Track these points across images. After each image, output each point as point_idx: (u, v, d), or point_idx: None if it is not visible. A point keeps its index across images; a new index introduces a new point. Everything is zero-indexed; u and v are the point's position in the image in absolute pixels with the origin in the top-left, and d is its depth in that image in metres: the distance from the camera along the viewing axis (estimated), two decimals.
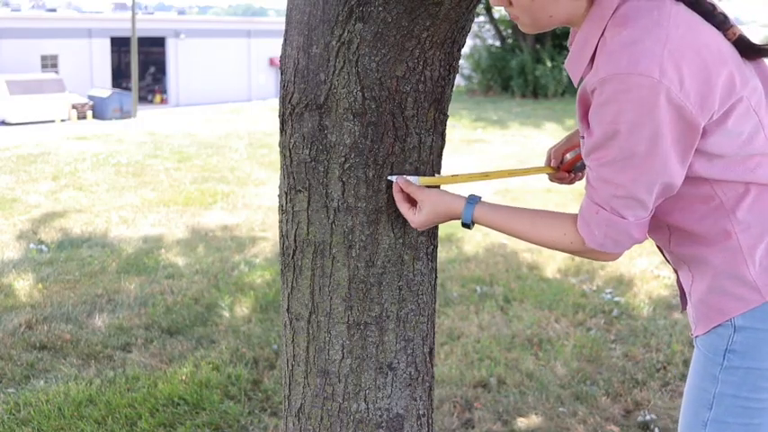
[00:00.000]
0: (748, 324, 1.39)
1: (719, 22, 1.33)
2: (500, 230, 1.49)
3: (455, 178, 1.59)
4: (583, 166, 1.69)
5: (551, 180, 1.76)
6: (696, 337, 1.49)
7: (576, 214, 1.41)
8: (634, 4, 1.28)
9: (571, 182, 1.75)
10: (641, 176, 1.29)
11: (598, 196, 1.34)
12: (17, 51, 31.48)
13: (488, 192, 7.11)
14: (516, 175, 1.68)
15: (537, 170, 1.72)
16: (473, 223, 1.47)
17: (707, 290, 1.44)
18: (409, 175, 1.56)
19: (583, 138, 1.35)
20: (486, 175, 1.62)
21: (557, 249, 1.46)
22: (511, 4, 1.34)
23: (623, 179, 1.30)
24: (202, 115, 17.20)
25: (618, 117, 1.23)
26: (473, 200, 1.48)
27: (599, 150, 1.30)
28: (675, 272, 1.58)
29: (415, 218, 1.52)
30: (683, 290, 1.57)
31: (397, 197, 1.54)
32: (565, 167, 1.72)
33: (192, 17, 50.33)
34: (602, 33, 1.29)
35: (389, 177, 1.54)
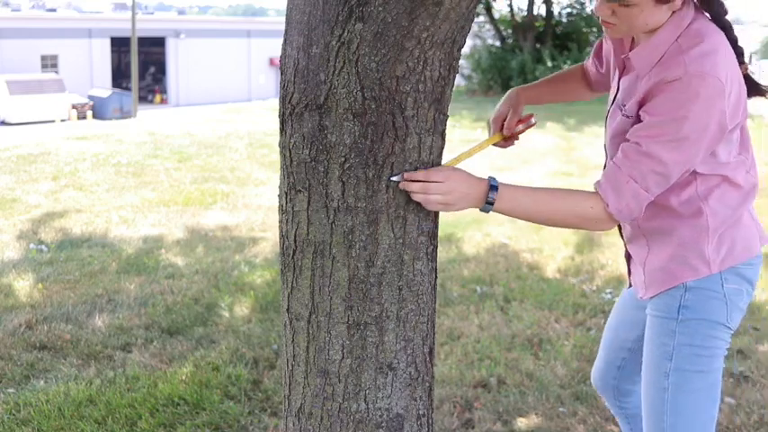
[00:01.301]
0: (698, 285, 1.70)
1: (739, 55, 1.65)
2: (523, 212, 1.64)
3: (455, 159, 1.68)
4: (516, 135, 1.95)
5: (497, 146, 1.97)
6: (649, 298, 1.78)
7: (590, 191, 1.64)
8: (704, 22, 1.62)
9: (507, 146, 1.98)
10: (681, 159, 1.56)
11: (635, 169, 1.58)
12: (17, 51, 31.48)
13: None
14: (475, 152, 1.80)
15: (489, 141, 1.91)
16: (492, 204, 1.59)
17: (667, 258, 1.72)
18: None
19: (627, 117, 1.65)
20: (456, 160, 1.70)
21: (573, 224, 1.67)
22: (614, 14, 1.60)
23: (668, 158, 1.55)
24: (202, 115, 17.20)
25: (690, 105, 1.52)
26: (494, 181, 1.60)
27: (657, 129, 1.56)
28: (626, 246, 1.87)
29: (442, 198, 1.54)
30: (631, 262, 1.88)
31: (414, 187, 1.54)
32: (515, 135, 1.93)
33: (191, 17, 50.34)
34: (676, 40, 1.59)
35: (392, 178, 1.54)
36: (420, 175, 1.54)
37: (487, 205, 1.59)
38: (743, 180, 1.71)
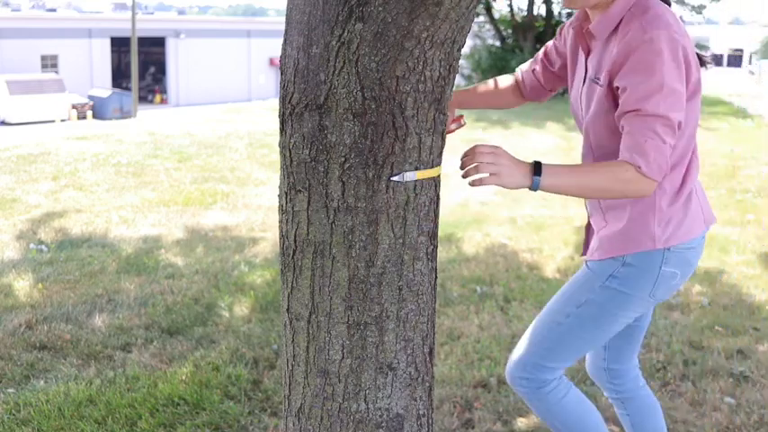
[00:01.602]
0: (633, 263, 1.86)
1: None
2: (569, 186, 1.76)
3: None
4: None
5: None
6: (590, 260, 1.95)
7: (619, 161, 1.73)
8: None
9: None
10: (675, 105, 1.69)
11: (647, 129, 1.69)
12: (17, 51, 31.47)
13: (489, 192, 7.11)
14: None
15: None
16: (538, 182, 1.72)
17: (618, 231, 1.88)
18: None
19: (601, 86, 1.79)
20: None
21: (619, 190, 1.75)
22: None
23: (665, 108, 1.68)
24: (202, 115, 17.19)
25: (660, 60, 1.68)
26: (538, 165, 1.73)
27: (643, 90, 1.69)
28: (588, 218, 2.03)
29: (495, 168, 1.69)
30: (589, 233, 2.04)
31: (469, 164, 1.72)
32: (455, 120, 2.01)
33: (191, 17, 50.34)
34: (629, 9, 1.76)
35: (392, 178, 1.54)
36: (469, 151, 1.70)
37: (536, 177, 1.70)
38: (689, 159, 1.87)
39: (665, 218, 1.85)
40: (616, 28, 1.79)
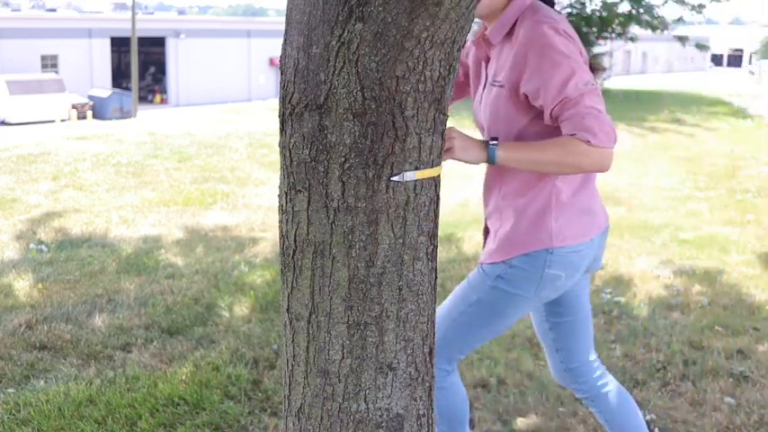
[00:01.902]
0: (519, 265, 1.96)
1: None
2: (526, 159, 1.87)
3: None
4: None
5: None
6: (483, 263, 2.05)
7: (568, 137, 1.81)
8: (538, 2, 1.94)
9: None
10: (587, 71, 1.83)
11: (580, 106, 1.78)
12: (17, 51, 31.47)
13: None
14: None
15: None
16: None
17: (510, 232, 1.98)
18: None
19: (501, 86, 1.90)
20: None
21: (573, 163, 1.82)
22: None
23: (585, 80, 1.80)
24: (202, 115, 17.20)
25: (561, 45, 1.83)
26: (494, 141, 1.88)
27: (559, 75, 1.79)
28: (486, 221, 2.11)
29: (451, 144, 1.86)
30: (487, 236, 2.11)
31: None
32: None
33: (191, 17, 50.34)
34: (522, 12, 1.89)
35: (392, 178, 1.54)
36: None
37: (492, 147, 1.84)
38: None
39: (560, 217, 1.95)
40: (510, 31, 1.90)
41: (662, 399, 3.10)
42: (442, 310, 2.12)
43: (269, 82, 38.67)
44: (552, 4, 2.02)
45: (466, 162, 1.88)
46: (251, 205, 6.88)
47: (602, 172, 1.86)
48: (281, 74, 1.59)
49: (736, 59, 62.59)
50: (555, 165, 1.85)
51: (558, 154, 1.83)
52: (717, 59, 62.91)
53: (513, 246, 1.97)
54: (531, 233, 1.95)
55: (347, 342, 1.61)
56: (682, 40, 22.19)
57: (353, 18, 1.43)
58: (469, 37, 2.01)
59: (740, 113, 16.01)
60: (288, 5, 1.56)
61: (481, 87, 2.03)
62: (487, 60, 2.00)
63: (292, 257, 1.63)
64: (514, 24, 1.90)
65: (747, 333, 3.81)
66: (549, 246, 1.93)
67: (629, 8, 21.90)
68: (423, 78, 1.51)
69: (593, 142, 1.78)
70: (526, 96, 1.88)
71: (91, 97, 29.79)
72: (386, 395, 1.65)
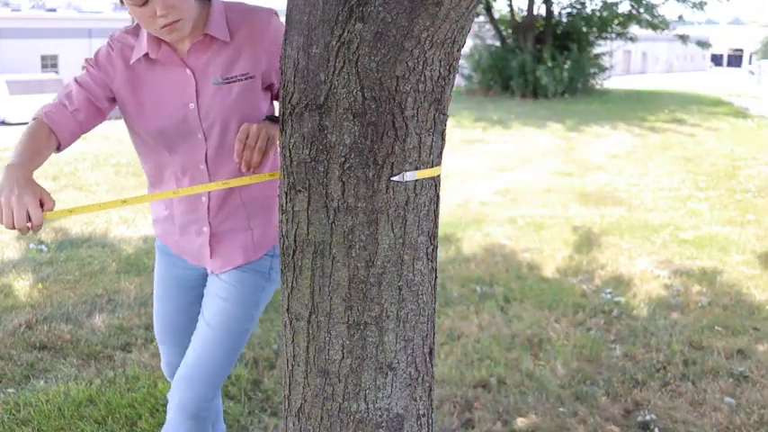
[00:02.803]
0: (277, 252, 1.98)
1: None
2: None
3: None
4: None
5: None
6: (242, 265, 1.99)
7: None
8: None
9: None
10: None
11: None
12: (17, 51, 31.47)
13: (488, 192, 7.10)
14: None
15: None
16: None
17: (270, 228, 2.00)
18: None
19: (251, 77, 1.86)
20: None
21: None
22: (174, 7, 1.73)
23: None
24: None
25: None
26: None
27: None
28: (211, 228, 1.99)
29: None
30: (213, 248, 2.01)
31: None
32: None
33: None
34: (229, 8, 1.87)
35: (392, 178, 1.54)
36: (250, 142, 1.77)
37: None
38: None
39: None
40: (227, 24, 1.87)
41: (662, 399, 3.10)
42: (223, 331, 2.00)
43: None
44: None
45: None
46: None
47: None
48: (281, 74, 1.59)
49: (736, 59, 62.57)
50: None
51: None
52: (717, 59, 62.91)
53: (273, 236, 2.04)
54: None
55: (347, 342, 1.61)
56: (683, 38, 22.20)
57: (353, 18, 1.43)
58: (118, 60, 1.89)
59: (740, 113, 16.02)
60: (288, 5, 1.56)
61: (190, 94, 1.87)
62: (197, 70, 1.87)
63: (292, 257, 1.63)
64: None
65: (747, 333, 3.81)
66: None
67: (629, 8, 21.91)
68: (423, 78, 1.51)
69: None
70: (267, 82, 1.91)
71: None
72: (386, 395, 1.65)
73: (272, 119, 1.85)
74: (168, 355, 2.23)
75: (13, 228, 1.54)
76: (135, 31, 1.92)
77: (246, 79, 1.88)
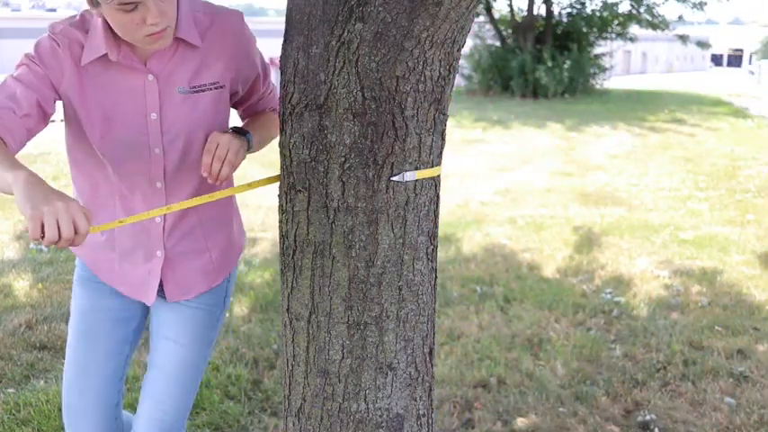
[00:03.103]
0: (233, 274, 1.99)
1: None
2: (260, 143, 1.81)
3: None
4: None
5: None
6: (197, 295, 1.85)
7: (271, 111, 1.88)
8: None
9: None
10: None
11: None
12: (17, 51, 31.40)
13: (488, 192, 7.10)
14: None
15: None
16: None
17: (226, 249, 1.91)
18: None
19: (220, 87, 1.71)
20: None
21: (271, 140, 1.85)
22: (164, 13, 1.57)
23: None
24: None
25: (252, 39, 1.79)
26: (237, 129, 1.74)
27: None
28: (165, 252, 1.80)
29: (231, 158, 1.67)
30: (166, 276, 1.81)
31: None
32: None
33: None
34: (194, 9, 1.67)
35: (392, 178, 1.54)
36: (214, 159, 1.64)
37: (248, 134, 1.71)
38: None
39: (240, 223, 2.01)
40: (195, 25, 1.67)
41: (662, 399, 3.10)
42: (182, 370, 1.88)
43: None
44: None
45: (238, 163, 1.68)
46: (251, 205, 6.88)
47: None
48: (281, 74, 1.59)
49: (736, 59, 62.55)
50: (270, 140, 1.86)
51: (274, 128, 1.82)
52: (717, 59, 62.90)
53: (230, 258, 2.00)
54: (239, 236, 2.06)
55: (347, 342, 1.61)
56: (683, 38, 22.20)
57: (353, 18, 1.43)
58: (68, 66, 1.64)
59: (740, 113, 16.02)
60: (288, 5, 1.56)
61: (152, 102, 1.66)
62: (162, 77, 1.66)
63: (292, 257, 1.63)
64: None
65: (747, 333, 3.81)
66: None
67: (629, 8, 21.91)
68: (423, 78, 1.51)
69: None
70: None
71: None
72: (386, 395, 1.65)
73: (236, 130, 1.71)
74: (78, 402, 1.88)
75: (57, 241, 1.30)
76: (82, 25, 1.66)
77: (216, 89, 1.70)
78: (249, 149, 1.72)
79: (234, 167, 1.64)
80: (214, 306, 1.89)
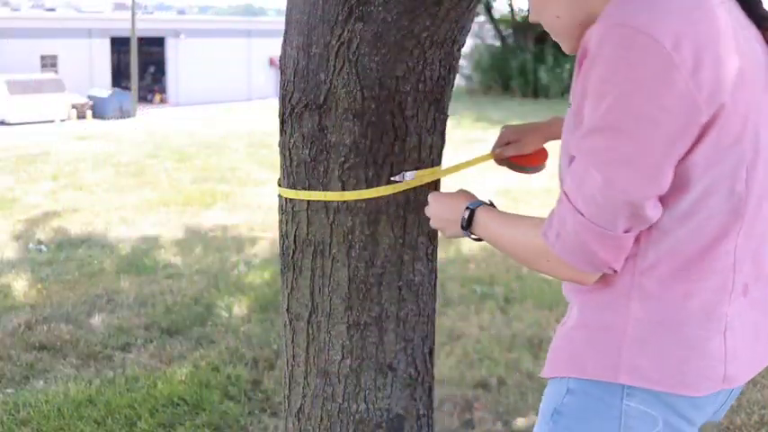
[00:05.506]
0: (582, 389, 1.14)
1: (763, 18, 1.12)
2: (493, 243, 1.26)
3: (447, 170, 1.64)
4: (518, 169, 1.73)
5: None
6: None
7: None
8: None
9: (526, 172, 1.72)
10: (620, 158, 0.99)
11: (570, 183, 1.05)
12: (17, 51, 31.45)
13: (489, 192, 7.09)
14: (464, 167, 1.68)
15: (480, 159, 1.73)
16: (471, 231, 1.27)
17: (566, 337, 1.23)
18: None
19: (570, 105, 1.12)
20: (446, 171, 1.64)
21: (530, 262, 1.19)
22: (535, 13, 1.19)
23: (599, 162, 1.00)
24: (202, 115, 17.20)
25: (613, 77, 0.98)
26: (474, 204, 1.27)
27: (584, 123, 1.03)
28: None
29: (433, 224, 1.38)
30: None
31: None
32: (497, 157, 1.71)
33: (191, 17, 50.31)
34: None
35: (392, 178, 1.54)
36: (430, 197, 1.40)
37: (466, 232, 1.27)
38: (712, 257, 1.08)
39: (646, 345, 1.09)
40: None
41: None
42: None
43: (269, 82, 38.66)
44: None
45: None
46: (251, 205, 6.88)
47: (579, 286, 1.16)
48: (281, 74, 1.59)
49: None
50: (513, 255, 1.23)
51: (515, 235, 1.19)
52: None
53: (560, 362, 1.20)
54: (594, 350, 1.14)
55: (347, 342, 1.61)
56: None
57: (353, 18, 1.43)
58: None
59: None
60: (288, 5, 1.56)
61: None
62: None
63: (292, 257, 1.63)
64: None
65: None
66: (625, 379, 1.10)
67: None
68: (423, 78, 1.50)
69: (548, 239, 1.09)
70: None
71: (90, 97, 29.76)
72: (386, 395, 1.65)
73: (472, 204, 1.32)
74: None
75: None
76: None
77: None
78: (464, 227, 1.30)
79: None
80: (543, 408, 1.23)
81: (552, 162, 1.69)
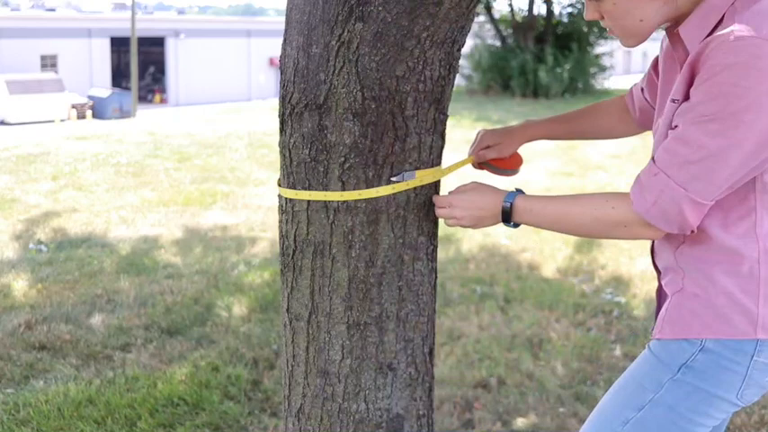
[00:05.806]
0: (717, 349, 1.31)
1: None
2: (545, 224, 1.44)
3: (447, 170, 1.66)
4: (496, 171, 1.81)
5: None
6: (655, 339, 1.40)
7: (621, 192, 1.36)
8: None
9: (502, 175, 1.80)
10: (730, 145, 1.20)
11: (666, 160, 1.25)
12: (17, 51, 31.45)
13: None
14: (448, 173, 1.71)
15: (459, 165, 1.77)
16: (512, 219, 1.44)
17: (699, 303, 1.34)
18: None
19: (675, 101, 1.29)
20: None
21: (602, 232, 1.37)
22: (603, 17, 1.35)
23: (709, 143, 1.20)
24: (202, 115, 17.20)
25: (743, 75, 1.17)
26: (510, 197, 1.44)
27: (700, 107, 1.21)
28: (659, 280, 1.46)
29: (457, 222, 1.51)
30: (661, 299, 1.47)
31: (441, 212, 1.57)
32: (478, 160, 1.78)
33: (191, 17, 50.29)
34: (733, 3, 1.25)
35: (392, 178, 1.54)
36: (445, 200, 1.55)
37: (509, 196, 1.44)
38: None
39: None
40: (713, 31, 1.25)
41: None
42: (597, 415, 1.45)
43: (269, 82, 38.66)
44: None
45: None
46: (251, 205, 6.88)
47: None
48: (281, 74, 1.59)
49: None
50: (579, 229, 1.42)
51: (584, 210, 1.38)
52: None
53: (710, 319, 1.33)
54: (735, 311, 1.31)
55: (347, 342, 1.61)
56: None
57: (353, 18, 1.43)
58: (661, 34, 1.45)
59: None
60: (288, 5, 1.56)
61: (665, 101, 1.40)
62: (682, 63, 1.33)
63: (292, 257, 1.63)
64: (721, 18, 1.25)
65: None
66: (763, 333, 1.30)
67: None
68: (423, 78, 1.50)
69: (635, 206, 1.30)
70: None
71: (90, 97, 29.76)
72: (386, 395, 1.65)
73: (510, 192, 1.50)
74: None
75: None
76: None
77: (672, 102, 1.35)
78: (505, 219, 1.49)
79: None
80: (664, 364, 1.39)
81: (525, 167, 1.75)
